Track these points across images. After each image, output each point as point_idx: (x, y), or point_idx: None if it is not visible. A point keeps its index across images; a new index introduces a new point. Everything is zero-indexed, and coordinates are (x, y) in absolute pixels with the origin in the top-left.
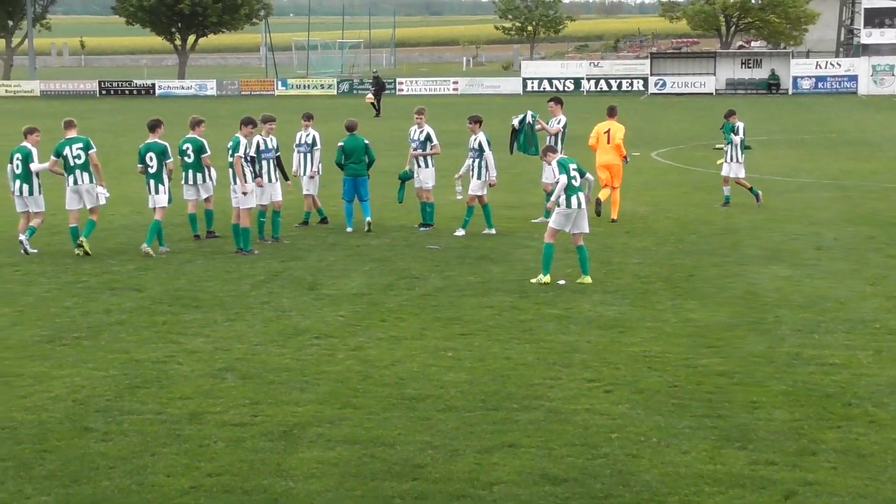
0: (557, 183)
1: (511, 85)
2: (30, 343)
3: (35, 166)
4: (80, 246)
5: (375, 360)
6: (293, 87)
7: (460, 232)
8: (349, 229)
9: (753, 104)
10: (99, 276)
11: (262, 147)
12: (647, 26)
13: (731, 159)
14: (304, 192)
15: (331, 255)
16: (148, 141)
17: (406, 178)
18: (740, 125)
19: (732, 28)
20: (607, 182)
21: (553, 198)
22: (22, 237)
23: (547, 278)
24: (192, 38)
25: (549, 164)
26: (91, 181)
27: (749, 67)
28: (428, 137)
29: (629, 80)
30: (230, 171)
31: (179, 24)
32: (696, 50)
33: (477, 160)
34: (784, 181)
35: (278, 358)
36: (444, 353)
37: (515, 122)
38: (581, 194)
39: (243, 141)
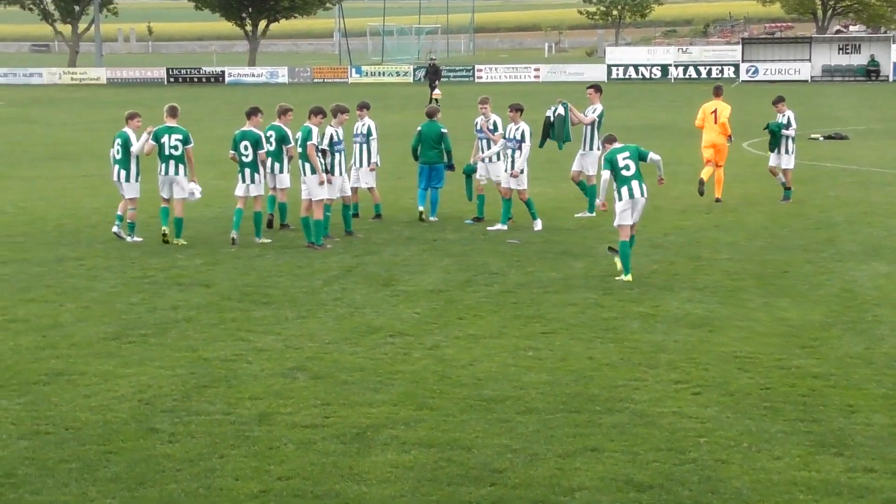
0: (601, 178)
1: (595, 72)
2: (95, 340)
3: (134, 148)
4: (164, 235)
5: (452, 359)
6: (367, 75)
7: (538, 225)
8: (420, 208)
9: (851, 92)
10: (166, 271)
11: (336, 139)
12: (738, 10)
13: (782, 149)
14: (352, 185)
15: (406, 250)
16: (244, 128)
17: (470, 171)
18: (790, 114)
19: (829, 11)
20: (711, 159)
21: (600, 197)
22: (129, 238)
23: (629, 277)
24: (262, 24)
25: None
26: (184, 174)
27: (847, 53)
28: (495, 127)
29: (719, 67)
30: (300, 161)
31: (250, 9)
32: (791, 35)
33: (516, 150)
34: (884, 173)
35: (351, 357)
36: (524, 352)
37: (550, 113)
38: (636, 182)
39: (315, 129)
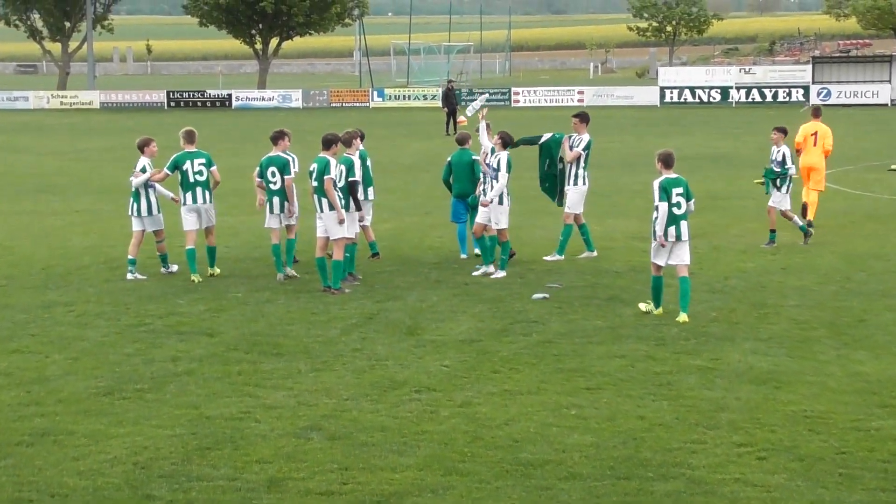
0: (657, 210)
1: (646, 95)
2: (84, 396)
3: (135, 179)
4: (212, 276)
5: (486, 418)
6: (391, 98)
7: (497, 274)
8: (463, 256)
9: None
10: (165, 318)
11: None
12: (808, 26)
13: (779, 187)
14: None
15: (434, 295)
16: (271, 154)
17: (475, 203)
18: (785, 151)
19: None
20: (806, 183)
21: (659, 228)
22: (165, 270)
23: (659, 311)
24: (274, 42)
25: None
26: (211, 201)
27: None
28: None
29: (786, 90)
30: (314, 196)
31: (260, 26)
32: (868, 53)
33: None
34: None
35: (372, 415)
36: (567, 410)
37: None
38: (685, 224)
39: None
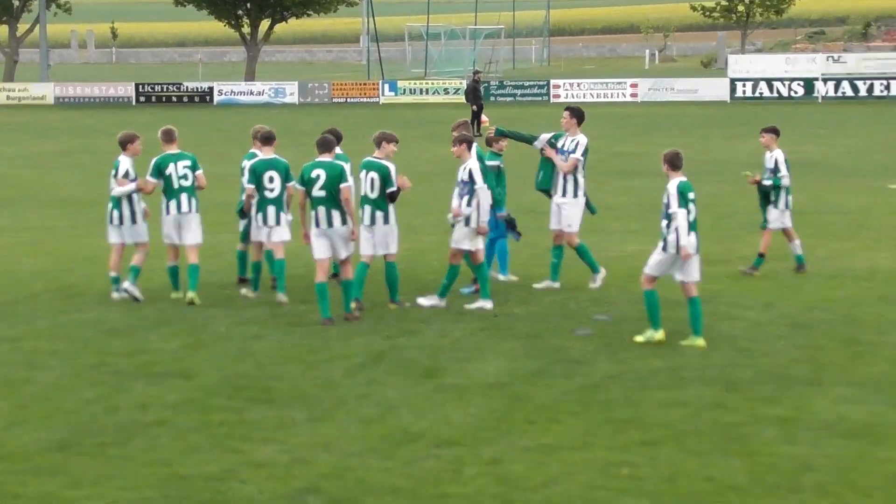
0: (674, 218)
1: (713, 88)
2: (34, 451)
3: (117, 188)
4: (191, 303)
5: (519, 478)
6: (405, 93)
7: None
8: (501, 277)
9: None
10: (131, 357)
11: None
12: None
13: (780, 202)
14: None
15: (457, 329)
16: (264, 156)
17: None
18: (778, 155)
19: None
20: None
21: (683, 238)
22: (126, 284)
23: (660, 334)
24: (265, 24)
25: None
26: (197, 210)
27: None
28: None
29: (884, 81)
30: (321, 208)
31: (248, 5)
32: None
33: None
34: None
35: (381, 475)
36: (618, 469)
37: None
38: (693, 235)
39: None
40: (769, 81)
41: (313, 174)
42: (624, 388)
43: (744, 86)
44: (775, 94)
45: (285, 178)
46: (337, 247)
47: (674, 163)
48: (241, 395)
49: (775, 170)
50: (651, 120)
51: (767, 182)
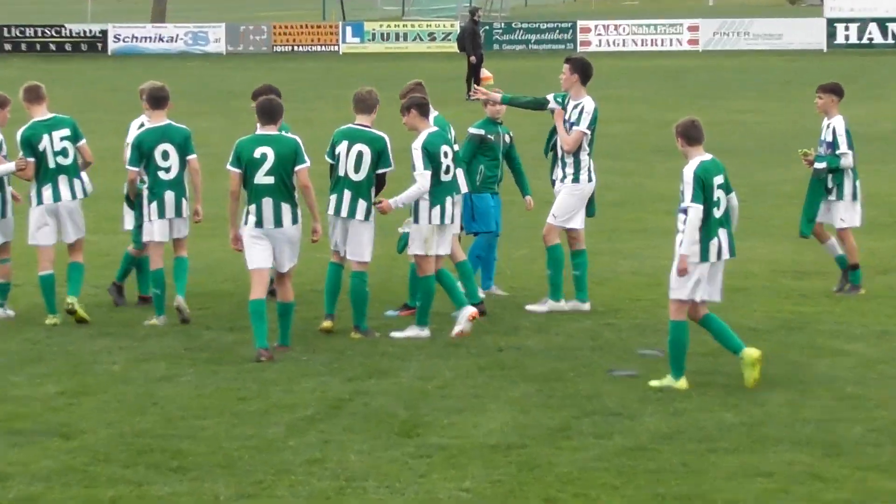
0: (686, 213)
1: (804, 33)
2: None
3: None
4: (72, 312)
5: None
6: (374, 39)
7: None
8: (483, 293)
9: None
10: None
11: None
12: None
13: (846, 192)
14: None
15: (446, 367)
16: (151, 124)
17: None
18: (837, 123)
19: None
20: None
21: (686, 244)
22: None
23: (682, 383)
24: None
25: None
26: (84, 195)
27: None
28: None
29: None
30: (267, 200)
31: None
32: None
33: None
34: None
35: None
36: None
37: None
38: (724, 233)
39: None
40: (882, 22)
41: (256, 153)
42: (682, 452)
43: (846, 28)
44: (890, 40)
45: (184, 150)
46: (280, 255)
47: (689, 135)
48: (141, 461)
49: (833, 144)
50: (717, 77)
51: (820, 165)
